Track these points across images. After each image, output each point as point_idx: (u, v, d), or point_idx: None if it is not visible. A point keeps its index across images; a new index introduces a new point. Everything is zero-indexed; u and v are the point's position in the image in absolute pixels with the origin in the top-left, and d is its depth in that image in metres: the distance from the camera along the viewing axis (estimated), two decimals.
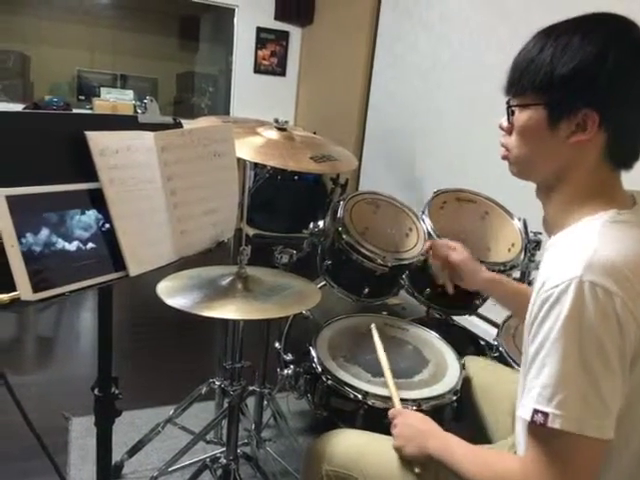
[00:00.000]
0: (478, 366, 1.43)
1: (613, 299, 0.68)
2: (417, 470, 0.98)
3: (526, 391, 0.74)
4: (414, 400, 1.29)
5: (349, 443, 1.09)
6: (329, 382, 1.37)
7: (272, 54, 5.30)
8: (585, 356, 0.69)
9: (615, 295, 0.68)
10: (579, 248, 0.73)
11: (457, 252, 1.37)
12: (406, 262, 1.61)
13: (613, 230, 0.75)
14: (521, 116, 0.83)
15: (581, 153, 0.79)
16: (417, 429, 1.02)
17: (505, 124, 0.87)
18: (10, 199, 0.74)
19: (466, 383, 1.38)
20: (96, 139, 0.86)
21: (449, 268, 1.39)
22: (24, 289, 0.74)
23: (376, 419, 1.26)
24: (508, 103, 0.85)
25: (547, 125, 0.80)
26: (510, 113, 0.85)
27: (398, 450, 1.01)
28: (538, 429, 0.72)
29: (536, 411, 0.71)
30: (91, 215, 0.86)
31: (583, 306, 0.68)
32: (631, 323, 0.69)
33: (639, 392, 0.74)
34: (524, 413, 0.74)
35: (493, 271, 1.63)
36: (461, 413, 1.36)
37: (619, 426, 0.72)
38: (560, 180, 0.83)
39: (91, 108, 4.55)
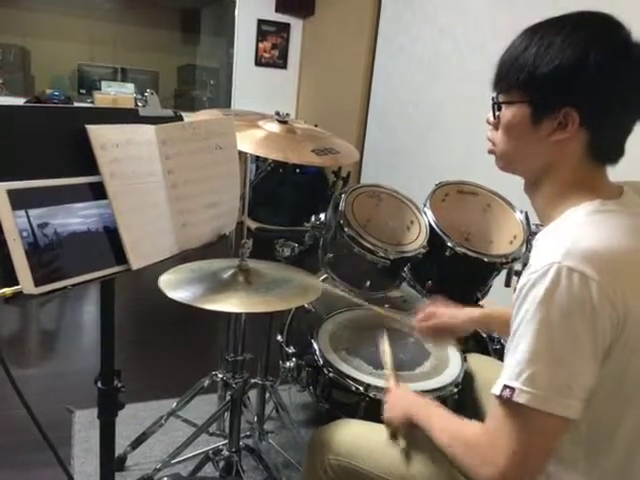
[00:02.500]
0: (480, 362, 1.44)
1: (589, 284, 0.70)
2: (402, 445, 1.02)
3: (503, 370, 0.77)
4: (415, 392, 1.30)
5: (351, 433, 1.10)
6: (331, 375, 1.38)
7: (273, 46, 5.28)
8: (555, 337, 0.71)
9: (592, 280, 0.70)
10: (561, 236, 0.75)
11: (436, 316, 1.34)
12: (408, 255, 1.60)
13: (596, 219, 0.77)
14: (506, 112, 0.85)
15: (563, 150, 0.81)
16: (402, 398, 1.10)
17: (492, 119, 0.89)
18: (11, 193, 0.74)
19: (468, 376, 1.39)
20: (97, 133, 0.86)
21: (440, 333, 1.36)
22: (26, 283, 0.74)
23: (378, 411, 1.26)
24: (494, 99, 0.87)
25: (530, 122, 0.82)
26: (496, 109, 0.87)
27: (388, 424, 1.06)
28: (505, 403, 0.75)
29: (505, 386, 0.74)
30: (92, 209, 0.86)
31: (557, 290, 0.70)
32: (607, 309, 0.71)
33: (624, 378, 0.76)
34: (495, 389, 0.77)
35: (495, 263, 1.65)
36: (462, 406, 1.37)
37: (607, 412, 0.75)
38: (545, 175, 0.85)
39: (92, 102, 4.54)
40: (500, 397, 0.75)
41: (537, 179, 0.87)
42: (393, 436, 1.05)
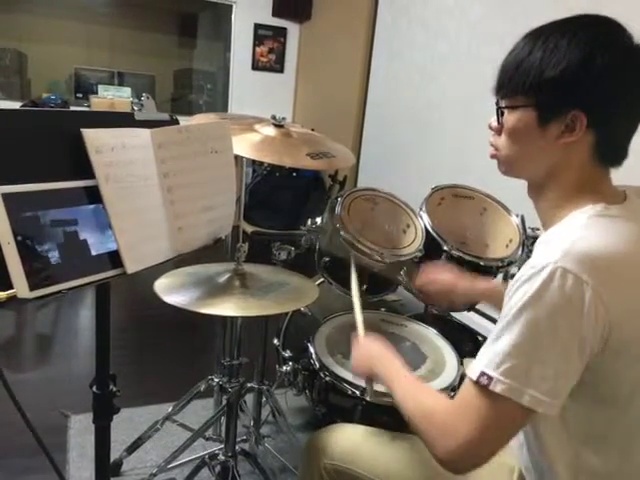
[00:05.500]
0: None
1: (582, 288, 0.70)
2: (370, 390, 1.07)
3: (479, 355, 0.78)
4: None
5: (347, 437, 1.10)
6: (327, 378, 1.38)
7: (270, 51, 5.29)
8: (539, 334, 0.72)
9: (586, 284, 0.70)
10: (561, 237, 0.76)
11: (437, 283, 1.37)
12: (404, 258, 1.60)
13: (599, 223, 0.77)
14: (511, 117, 0.84)
15: (570, 153, 0.81)
16: (367, 351, 1.10)
17: (495, 124, 0.88)
18: (6, 197, 0.74)
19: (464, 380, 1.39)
20: (92, 136, 0.85)
21: (440, 298, 1.39)
22: (21, 287, 0.74)
23: (374, 415, 1.27)
24: (497, 104, 0.87)
25: (536, 126, 0.81)
26: (500, 114, 0.86)
27: (354, 371, 1.11)
28: (479, 389, 0.76)
29: (483, 373, 0.75)
30: (88, 212, 0.86)
31: (548, 288, 0.71)
32: (600, 312, 0.71)
33: (617, 381, 0.77)
34: (471, 373, 0.77)
35: (491, 267, 1.65)
36: None
37: (602, 413, 0.76)
38: (549, 179, 0.85)
39: (89, 106, 4.54)
40: (477, 383, 0.76)
41: (542, 183, 0.86)
42: (368, 383, 1.09)
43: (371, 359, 1.07)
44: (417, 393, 0.91)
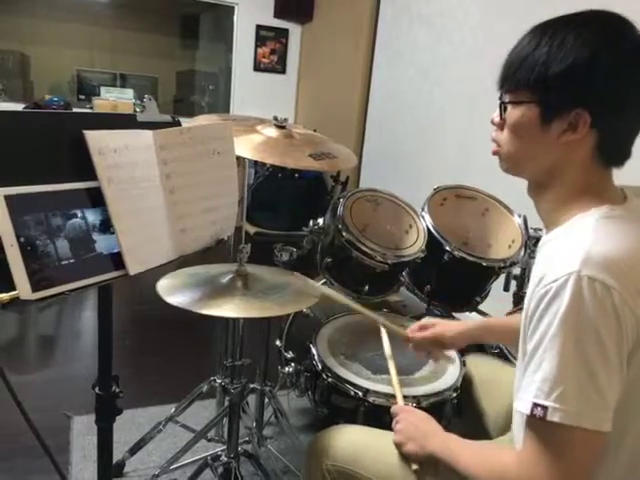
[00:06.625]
0: (479, 364, 1.43)
1: (611, 293, 0.69)
2: (415, 467, 0.98)
3: (525, 385, 0.75)
4: (414, 397, 1.29)
5: (349, 438, 1.09)
6: (329, 379, 1.38)
7: (272, 52, 5.30)
8: (584, 350, 0.69)
9: (613, 289, 0.69)
10: (575, 244, 0.73)
11: (430, 327, 1.31)
12: (406, 259, 1.60)
13: (607, 226, 0.76)
14: (514, 112, 0.82)
15: (572, 152, 0.80)
16: (419, 428, 1.01)
17: (497, 119, 0.87)
18: (9, 198, 0.74)
19: (467, 380, 1.38)
20: (94, 138, 0.86)
21: (433, 345, 1.34)
22: (23, 288, 0.74)
23: (377, 416, 1.26)
24: (500, 98, 0.85)
25: (539, 123, 0.80)
26: (502, 109, 0.85)
27: (398, 447, 1.02)
28: (537, 422, 0.73)
29: (535, 405, 0.72)
30: (90, 214, 0.86)
31: (581, 301, 0.69)
32: (629, 317, 0.70)
33: (634, 387, 0.75)
34: (523, 407, 0.74)
35: (493, 268, 1.65)
36: (461, 409, 1.36)
37: (614, 421, 0.73)
38: (551, 178, 0.83)
39: (91, 107, 4.56)
40: (532, 416, 0.72)
41: (543, 182, 0.84)
42: (405, 459, 1.01)
43: (422, 432, 0.99)
44: (483, 458, 0.86)
